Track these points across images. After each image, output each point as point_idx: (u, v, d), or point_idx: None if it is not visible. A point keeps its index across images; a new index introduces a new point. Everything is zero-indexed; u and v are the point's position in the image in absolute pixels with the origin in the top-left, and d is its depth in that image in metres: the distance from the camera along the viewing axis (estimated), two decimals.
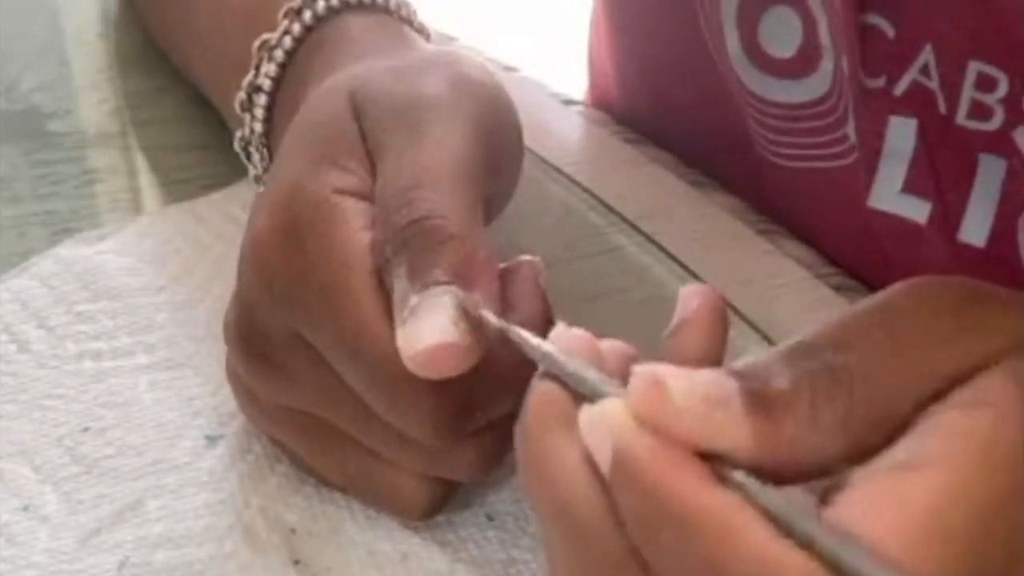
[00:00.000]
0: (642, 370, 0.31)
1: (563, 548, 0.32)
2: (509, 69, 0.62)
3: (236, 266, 0.40)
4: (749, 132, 0.57)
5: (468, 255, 0.37)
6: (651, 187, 0.58)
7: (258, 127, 0.48)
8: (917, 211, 0.52)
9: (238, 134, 0.49)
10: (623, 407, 0.31)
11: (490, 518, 0.43)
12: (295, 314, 0.38)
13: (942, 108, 0.50)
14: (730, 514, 0.30)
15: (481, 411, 0.38)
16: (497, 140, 0.42)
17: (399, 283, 0.37)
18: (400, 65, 0.43)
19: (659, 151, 0.60)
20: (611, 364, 0.35)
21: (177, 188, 0.55)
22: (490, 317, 0.36)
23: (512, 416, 0.35)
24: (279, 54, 0.47)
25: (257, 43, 0.47)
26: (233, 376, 0.42)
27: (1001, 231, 0.50)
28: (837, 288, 0.54)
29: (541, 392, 0.34)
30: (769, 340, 0.50)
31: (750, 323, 0.51)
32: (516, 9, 1.63)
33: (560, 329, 0.35)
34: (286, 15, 0.47)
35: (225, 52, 0.51)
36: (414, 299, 0.36)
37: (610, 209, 0.56)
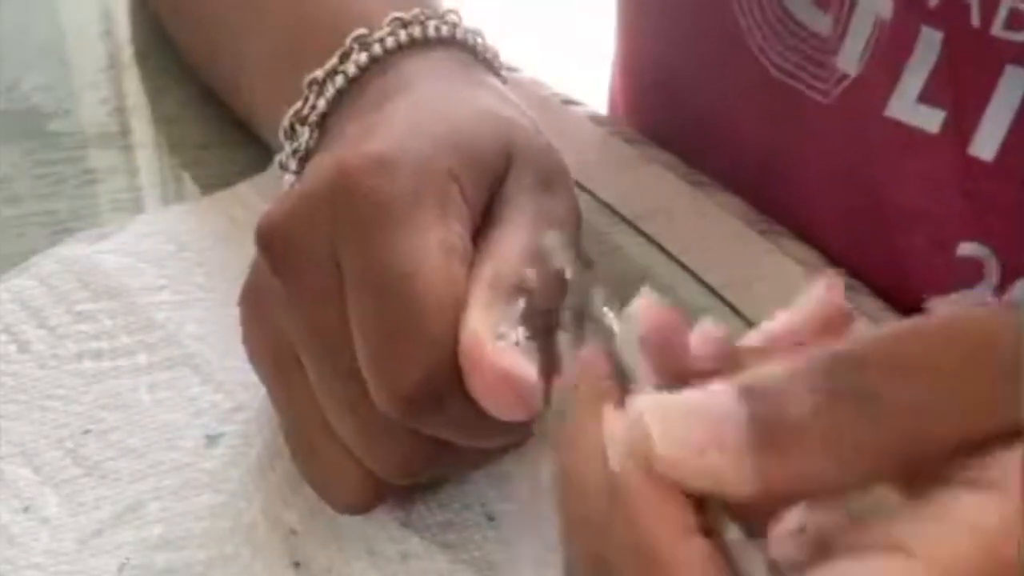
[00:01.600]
0: (636, 405, 0.30)
1: (569, 516, 0.32)
2: (509, 69, 0.62)
3: (237, 266, 0.40)
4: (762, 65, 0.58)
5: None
6: (651, 187, 0.58)
7: (322, 105, 0.47)
8: (930, 120, 0.53)
9: (291, 110, 0.49)
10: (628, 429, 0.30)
11: (490, 518, 0.43)
12: (351, 235, 0.38)
13: (975, 20, 0.50)
14: (690, 571, 0.29)
15: (448, 420, 0.38)
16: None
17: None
18: (535, 126, 0.44)
19: (659, 151, 0.60)
20: (697, 348, 0.33)
21: (177, 188, 0.55)
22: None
23: (446, 444, 0.37)
24: (377, 48, 0.46)
25: (352, 36, 0.47)
26: (251, 291, 0.42)
27: (1013, 145, 0.51)
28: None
29: (593, 365, 0.33)
30: None
31: (750, 323, 0.51)
32: (516, 9, 1.63)
33: (648, 300, 0.33)
34: (391, 22, 0.47)
35: (300, 48, 0.49)
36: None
37: (610, 209, 0.56)
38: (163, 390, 0.46)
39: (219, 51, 0.56)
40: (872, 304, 0.54)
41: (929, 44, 0.52)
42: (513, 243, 0.40)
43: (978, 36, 0.50)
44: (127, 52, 0.62)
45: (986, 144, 0.52)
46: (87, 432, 0.44)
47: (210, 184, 0.54)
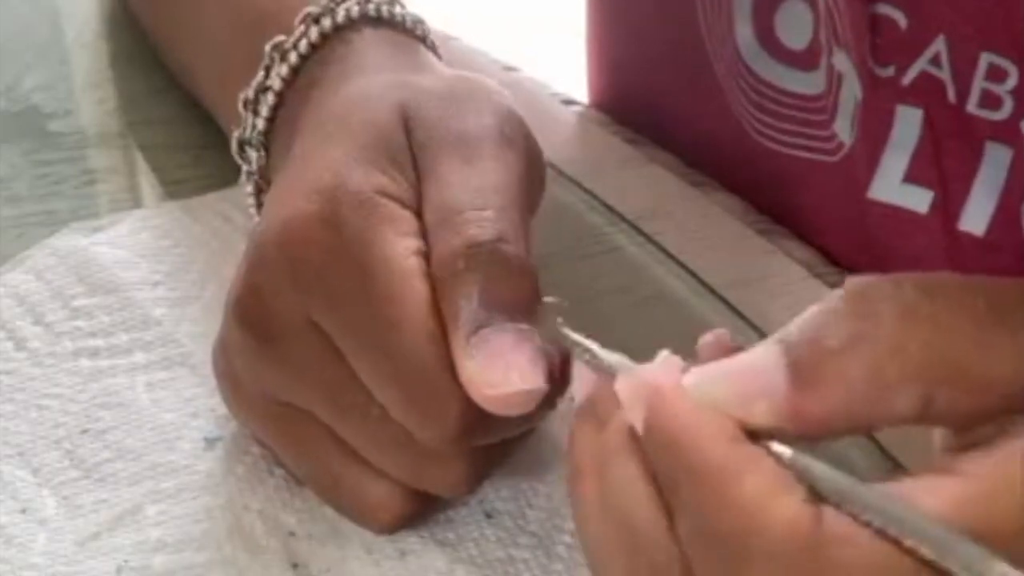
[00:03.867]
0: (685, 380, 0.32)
1: (615, 553, 0.33)
2: (509, 69, 0.62)
3: (232, 265, 0.40)
4: (742, 125, 0.57)
5: (535, 290, 0.38)
6: (651, 187, 0.58)
7: (261, 124, 0.48)
8: (918, 201, 0.53)
9: (236, 132, 0.49)
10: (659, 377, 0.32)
11: (489, 516, 0.43)
12: (321, 301, 0.38)
13: (951, 97, 0.50)
14: (733, 465, 0.30)
15: (497, 428, 0.38)
16: (534, 172, 0.43)
17: (466, 303, 0.37)
18: (445, 89, 0.43)
19: (659, 151, 0.60)
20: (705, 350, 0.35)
21: (177, 188, 0.55)
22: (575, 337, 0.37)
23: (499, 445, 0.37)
24: (293, 57, 0.47)
25: (270, 44, 0.47)
26: (222, 358, 0.42)
27: (1002, 219, 0.51)
28: (837, 288, 0.54)
29: (601, 397, 0.34)
30: None
31: (750, 323, 0.51)
32: (517, 8, 1.63)
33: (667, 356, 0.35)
34: (303, 20, 0.47)
35: (231, 51, 0.50)
36: (487, 330, 0.37)
37: (610, 209, 0.56)
38: (160, 390, 0.46)
39: (178, 36, 0.57)
40: None
41: (909, 123, 0.52)
42: (431, 226, 0.39)
43: (956, 112, 0.50)
44: (127, 52, 0.62)
45: (975, 219, 0.52)
46: (85, 432, 0.44)
47: (209, 184, 0.54)
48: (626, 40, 0.64)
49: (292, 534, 0.41)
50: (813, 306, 0.32)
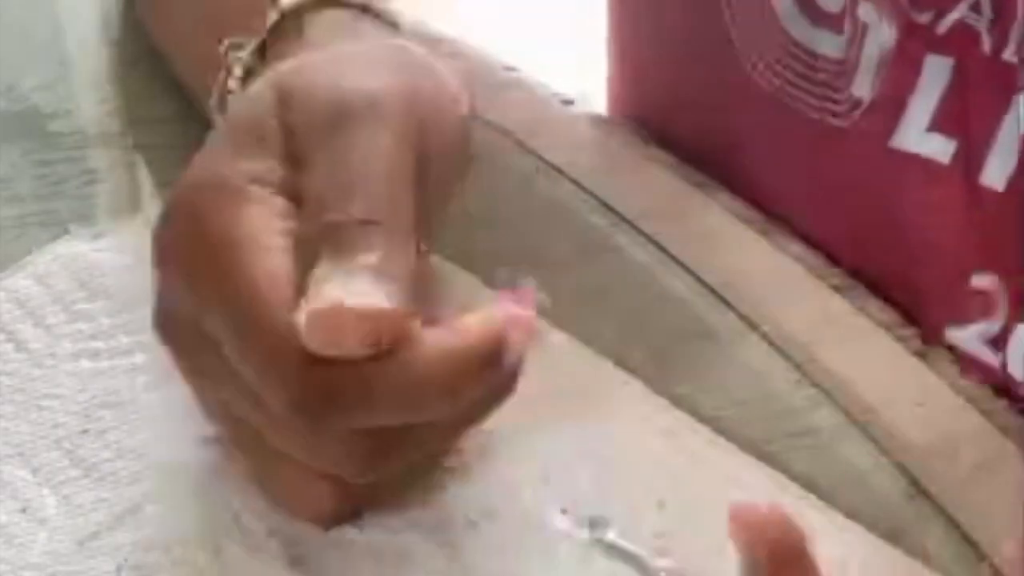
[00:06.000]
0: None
1: None
2: (509, 69, 0.62)
3: None
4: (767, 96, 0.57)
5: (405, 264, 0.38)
6: (651, 187, 0.57)
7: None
8: (941, 150, 0.52)
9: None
10: None
11: (489, 519, 0.43)
12: (195, 300, 0.39)
13: (986, 47, 0.50)
14: None
15: (357, 395, 0.37)
16: (430, 136, 0.42)
17: (319, 270, 0.37)
18: (328, 59, 0.43)
19: (659, 151, 0.60)
20: None
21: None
22: None
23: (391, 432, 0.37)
24: (247, 57, 0.47)
25: (225, 44, 0.47)
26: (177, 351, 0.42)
27: (1023, 173, 0.51)
28: (837, 288, 0.54)
29: None
30: (768, 340, 0.50)
31: (750, 323, 0.51)
32: (517, 8, 1.63)
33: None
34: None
35: (209, 53, 0.50)
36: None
37: (610, 209, 0.55)
38: (160, 389, 0.46)
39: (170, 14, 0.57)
40: (873, 305, 0.54)
41: (938, 72, 0.52)
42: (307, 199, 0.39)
43: (989, 63, 0.50)
44: (127, 52, 0.62)
45: (997, 173, 0.51)
46: (85, 432, 0.44)
47: None
48: (651, 43, 0.64)
49: (291, 531, 0.41)
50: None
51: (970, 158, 0.52)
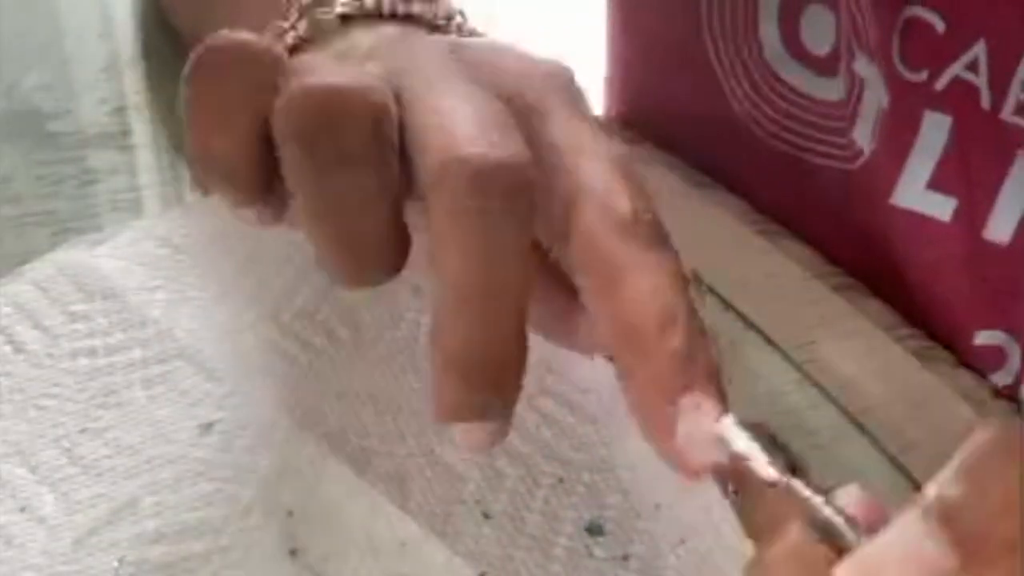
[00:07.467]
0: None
1: None
2: None
3: (229, 266, 0.40)
4: (751, 130, 0.57)
5: None
6: (651, 187, 0.57)
7: None
8: (941, 208, 0.52)
9: None
10: None
11: (487, 516, 0.43)
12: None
13: (985, 104, 0.49)
14: None
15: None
16: None
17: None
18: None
19: (659, 151, 0.60)
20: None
21: (177, 188, 0.55)
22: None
23: None
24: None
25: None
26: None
27: None
28: (837, 288, 0.54)
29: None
30: (768, 340, 0.50)
31: (750, 323, 0.51)
32: (515, 8, 1.63)
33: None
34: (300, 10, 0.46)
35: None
36: None
37: None
38: (157, 385, 0.46)
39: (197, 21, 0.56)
40: (873, 305, 0.54)
41: (936, 129, 0.51)
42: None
43: (989, 120, 0.49)
44: (127, 52, 0.62)
45: (1001, 227, 0.51)
46: (84, 431, 0.44)
47: None
48: (637, 47, 0.64)
49: (290, 514, 0.42)
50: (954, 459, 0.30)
51: (973, 214, 0.51)
